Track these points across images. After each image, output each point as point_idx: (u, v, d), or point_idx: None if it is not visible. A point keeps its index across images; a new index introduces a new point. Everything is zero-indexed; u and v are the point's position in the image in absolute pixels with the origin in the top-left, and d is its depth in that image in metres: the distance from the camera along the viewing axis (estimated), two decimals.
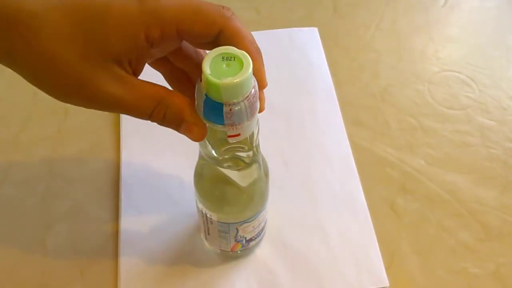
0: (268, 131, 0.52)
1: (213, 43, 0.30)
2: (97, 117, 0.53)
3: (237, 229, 0.39)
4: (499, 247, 0.46)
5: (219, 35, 0.30)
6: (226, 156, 0.34)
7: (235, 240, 0.41)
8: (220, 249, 0.43)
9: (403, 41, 0.62)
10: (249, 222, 0.39)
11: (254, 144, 0.33)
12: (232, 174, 0.35)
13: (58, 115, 0.53)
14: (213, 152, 0.33)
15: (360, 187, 0.49)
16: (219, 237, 0.41)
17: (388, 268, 0.44)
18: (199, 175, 0.37)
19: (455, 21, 0.65)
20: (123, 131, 0.52)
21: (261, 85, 0.32)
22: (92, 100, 0.29)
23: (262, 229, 0.43)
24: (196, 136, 0.31)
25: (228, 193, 0.37)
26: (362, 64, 0.59)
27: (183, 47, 0.33)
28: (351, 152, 0.51)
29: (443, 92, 0.57)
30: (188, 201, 0.45)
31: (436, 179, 0.50)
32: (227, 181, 0.35)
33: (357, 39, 0.62)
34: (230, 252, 0.43)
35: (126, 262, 0.43)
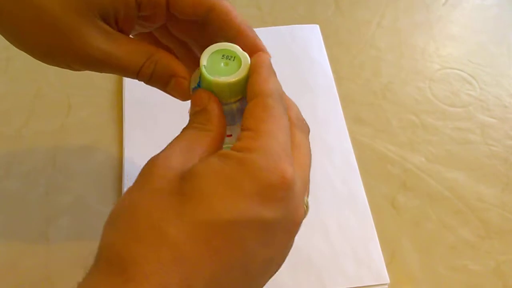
0: None
1: (202, 25, 0.30)
2: (100, 112, 0.53)
3: None
4: (499, 245, 0.46)
5: (209, 14, 0.29)
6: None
7: None
8: None
9: (404, 38, 0.62)
10: None
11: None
12: None
13: (61, 110, 0.53)
14: None
15: (361, 184, 0.49)
16: None
17: (388, 265, 0.44)
18: None
19: (456, 19, 0.65)
20: (126, 126, 0.52)
21: (260, 48, 0.30)
22: (78, 56, 0.28)
23: None
24: (184, 91, 0.29)
25: None
26: (363, 61, 0.59)
27: (170, 27, 0.32)
28: (352, 149, 0.51)
29: (444, 90, 0.57)
30: None
31: (437, 176, 0.50)
32: None
33: (359, 37, 0.62)
34: None
35: None
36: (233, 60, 0.27)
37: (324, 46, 0.60)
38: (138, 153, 0.50)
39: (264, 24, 0.62)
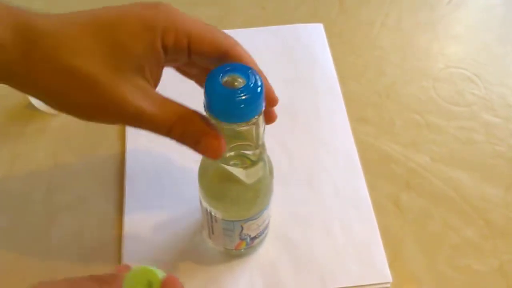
0: (273, 127, 0.52)
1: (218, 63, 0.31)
2: None
3: (242, 227, 0.39)
4: (503, 244, 0.46)
5: (224, 58, 0.31)
6: (232, 154, 0.34)
7: (240, 238, 0.41)
8: (224, 248, 0.43)
9: (408, 38, 0.62)
10: (254, 220, 0.39)
11: (260, 142, 0.34)
12: (238, 172, 0.35)
13: None
14: None
15: (364, 183, 0.49)
16: (223, 236, 0.40)
17: (391, 264, 0.44)
18: (204, 173, 0.37)
19: (460, 18, 0.65)
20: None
21: (273, 101, 0.33)
22: (115, 113, 0.28)
23: (266, 227, 0.43)
24: (216, 150, 0.30)
25: (233, 191, 0.37)
26: (367, 61, 0.59)
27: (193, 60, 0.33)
28: (355, 148, 0.51)
29: (448, 89, 0.57)
30: (193, 197, 0.45)
31: (441, 176, 0.50)
32: (233, 178, 0.35)
33: (362, 36, 0.62)
34: (234, 251, 0.43)
35: (129, 258, 0.44)
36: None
37: (328, 46, 0.60)
38: (140, 152, 0.50)
39: (268, 23, 0.62)
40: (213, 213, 0.38)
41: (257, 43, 0.59)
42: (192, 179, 0.39)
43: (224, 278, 0.43)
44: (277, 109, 0.53)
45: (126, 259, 0.43)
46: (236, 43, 0.32)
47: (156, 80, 0.31)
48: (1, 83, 0.28)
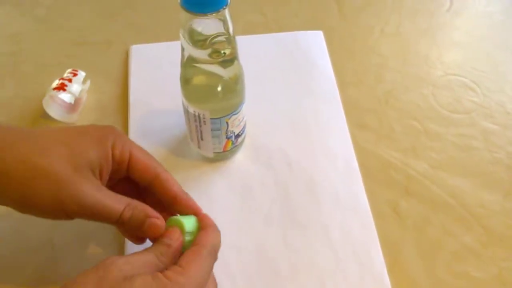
0: (273, 132, 0.53)
1: (147, 187, 0.39)
2: (107, 116, 0.55)
3: (227, 123, 0.45)
4: (502, 251, 0.46)
5: (154, 180, 0.39)
6: (211, 53, 0.40)
7: (226, 137, 0.47)
8: (214, 152, 0.49)
9: (408, 45, 0.62)
10: (236, 114, 0.46)
11: (231, 36, 0.40)
12: (217, 69, 0.42)
13: None
14: (198, 50, 0.40)
15: (363, 190, 0.49)
16: (212, 138, 0.47)
17: (390, 270, 0.44)
18: (186, 82, 0.44)
19: (459, 25, 0.65)
20: (131, 130, 0.53)
21: (195, 208, 0.39)
22: (76, 203, 0.34)
23: (245, 125, 0.49)
24: (158, 229, 0.37)
25: (217, 86, 0.43)
26: (367, 67, 0.60)
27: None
28: (354, 155, 0.51)
29: (447, 96, 0.57)
30: None
31: (440, 183, 0.50)
32: (215, 77, 0.42)
33: (362, 43, 0.62)
34: (222, 153, 0.49)
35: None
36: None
37: (328, 52, 0.60)
38: None
39: (268, 30, 0.63)
40: (201, 116, 0.44)
41: (257, 50, 0.60)
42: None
43: (206, 180, 0.49)
44: (276, 115, 0.54)
45: None
46: (165, 170, 0.39)
47: (104, 182, 0.37)
48: None
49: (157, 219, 0.37)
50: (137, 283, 0.31)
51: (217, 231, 0.38)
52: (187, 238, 0.37)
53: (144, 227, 0.37)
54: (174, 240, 0.36)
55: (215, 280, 0.38)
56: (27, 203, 0.35)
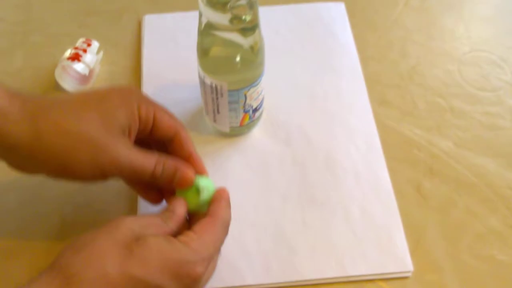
0: (291, 108, 0.51)
1: (168, 145, 0.40)
2: None
3: (245, 96, 0.44)
4: None
5: (174, 136, 0.39)
6: (230, 16, 0.38)
7: (244, 111, 0.45)
8: (230, 126, 0.47)
9: (433, 18, 0.60)
10: (255, 86, 0.44)
11: (254, 2, 0.39)
12: (237, 37, 0.40)
13: None
14: (217, 15, 0.38)
15: (385, 168, 0.47)
16: (229, 111, 0.45)
17: (412, 252, 0.43)
18: (204, 51, 0.42)
19: None
20: None
21: (204, 171, 0.40)
22: (113, 164, 0.35)
23: (262, 100, 0.47)
24: (189, 179, 0.38)
25: (236, 56, 0.42)
26: (390, 41, 0.57)
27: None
28: (376, 132, 0.50)
29: (474, 73, 0.55)
30: None
31: (465, 162, 0.48)
32: (234, 45, 0.41)
33: (385, 16, 0.60)
34: (239, 127, 0.47)
35: None
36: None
37: (349, 25, 0.58)
38: None
39: (288, 1, 0.60)
40: (218, 87, 0.43)
41: (277, 22, 0.58)
42: None
43: (221, 156, 0.48)
44: (295, 90, 0.52)
45: None
46: (185, 128, 0.40)
47: (132, 142, 0.38)
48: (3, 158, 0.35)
49: (187, 169, 0.38)
50: (151, 243, 0.32)
51: (229, 206, 0.38)
52: (204, 197, 0.38)
53: (175, 179, 0.38)
54: (178, 206, 0.37)
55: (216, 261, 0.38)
56: (66, 171, 0.35)
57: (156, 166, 0.37)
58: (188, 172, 0.38)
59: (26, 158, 0.35)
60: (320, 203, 0.45)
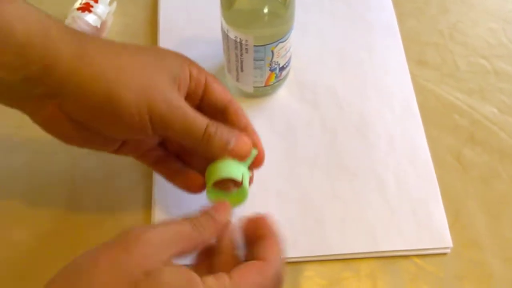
0: (320, 67, 0.48)
1: (220, 117, 0.35)
2: (135, 41, 0.49)
3: (272, 52, 0.41)
4: None
5: (229, 105, 0.36)
6: None
7: (270, 69, 0.42)
8: (254, 86, 0.44)
9: None
10: (284, 42, 0.41)
11: None
12: None
13: None
14: None
15: (423, 134, 0.44)
16: (253, 69, 0.42)
17: (451, 227, 0.40)
18: (228, 2, 0.39)
19: None
20: None
21: (259, 144, 0.36)
22: (170, 108, 0.32)
23: (290, 57, 0.44)
24: (248, 145, 0.34)
25: (264, 7, 0.39)
26: None
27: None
28: (414, 95, 0.46)
29: None
30: None
31: (510, 130, 0.45)
32: None
33: None
34: (263, 88, 0.44)
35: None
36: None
37: None
38: None
39: None
40: (243, 42, 0.40)
41: None
42: None
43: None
44: (325, 47, 0.49)
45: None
46: (233, 98, 0.37)
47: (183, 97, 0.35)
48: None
49: (245, 136, 0.34)
50: (163, 282, 0.25)
51: (281, 243, 0.31)
52: (245, 185, 0.34)
53: (230, 145, 0.33)
54: (220, 213, 0.30)
55: None
56: (109, 104, 0.30)
57: (209, 125, 0.33)
58: (247, 139, 0.34)
59: (60, 83, 0.29)
60: (351, 172, 0.42)
